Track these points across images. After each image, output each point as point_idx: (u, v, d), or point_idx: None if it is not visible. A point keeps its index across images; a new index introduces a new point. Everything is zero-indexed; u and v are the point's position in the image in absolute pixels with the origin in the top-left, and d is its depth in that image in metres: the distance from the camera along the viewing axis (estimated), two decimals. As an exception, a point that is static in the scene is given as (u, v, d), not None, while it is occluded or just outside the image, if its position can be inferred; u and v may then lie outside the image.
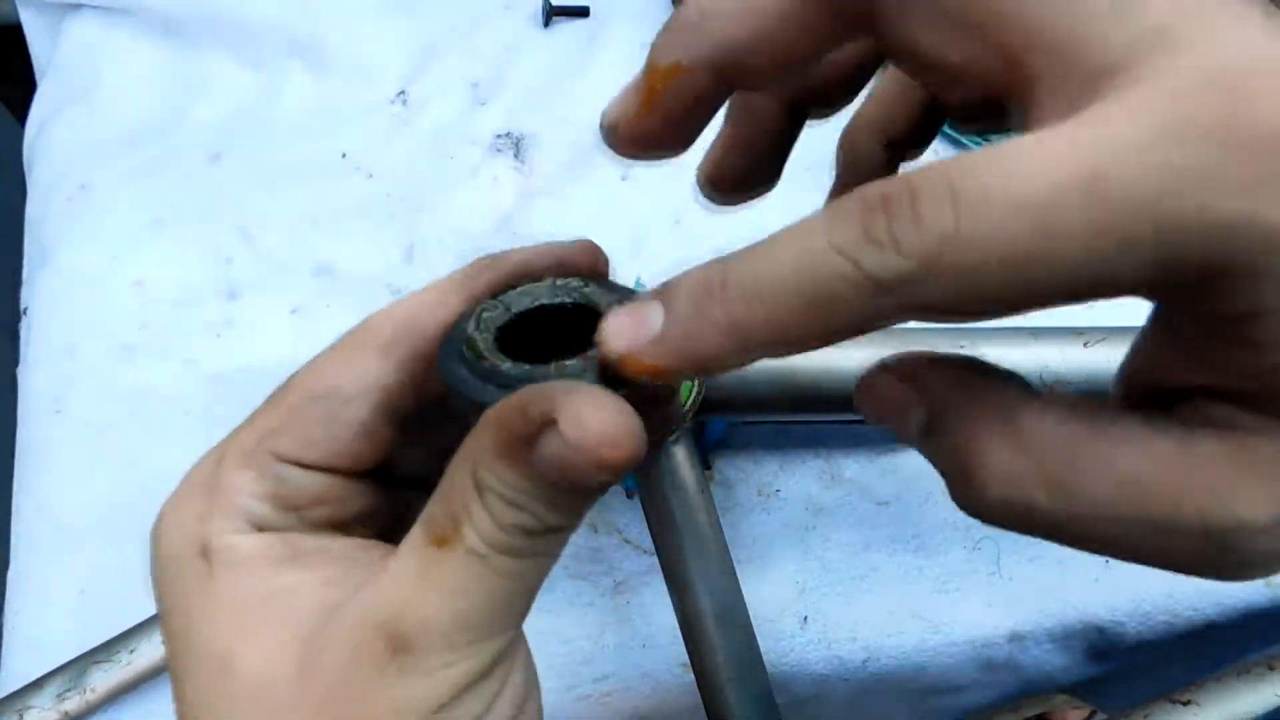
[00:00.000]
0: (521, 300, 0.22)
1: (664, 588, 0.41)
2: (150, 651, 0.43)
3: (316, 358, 0.23)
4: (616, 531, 0.50)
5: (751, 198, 0.23)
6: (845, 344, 0.19)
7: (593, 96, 0.65)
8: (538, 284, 0.23)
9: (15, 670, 0.48)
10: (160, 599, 0.21)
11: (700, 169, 0.23)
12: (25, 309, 0.59)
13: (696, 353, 0.16)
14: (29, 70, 0.73)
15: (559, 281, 0.23)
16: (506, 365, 0.20)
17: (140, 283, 0.59)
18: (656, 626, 0.48)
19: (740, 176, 0.23)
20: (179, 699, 0.20)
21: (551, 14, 0.68)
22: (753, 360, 0.16)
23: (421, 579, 0.18)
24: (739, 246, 0.17)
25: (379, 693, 0.18)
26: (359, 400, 0.22)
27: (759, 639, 0.48)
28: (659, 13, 0.68)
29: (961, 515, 0.52)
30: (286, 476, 0.21)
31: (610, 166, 0.61)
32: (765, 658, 0.47)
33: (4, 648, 0.49)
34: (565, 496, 0.18)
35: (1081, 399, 0.17)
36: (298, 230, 0.60)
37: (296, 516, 0.22)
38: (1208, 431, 0.16)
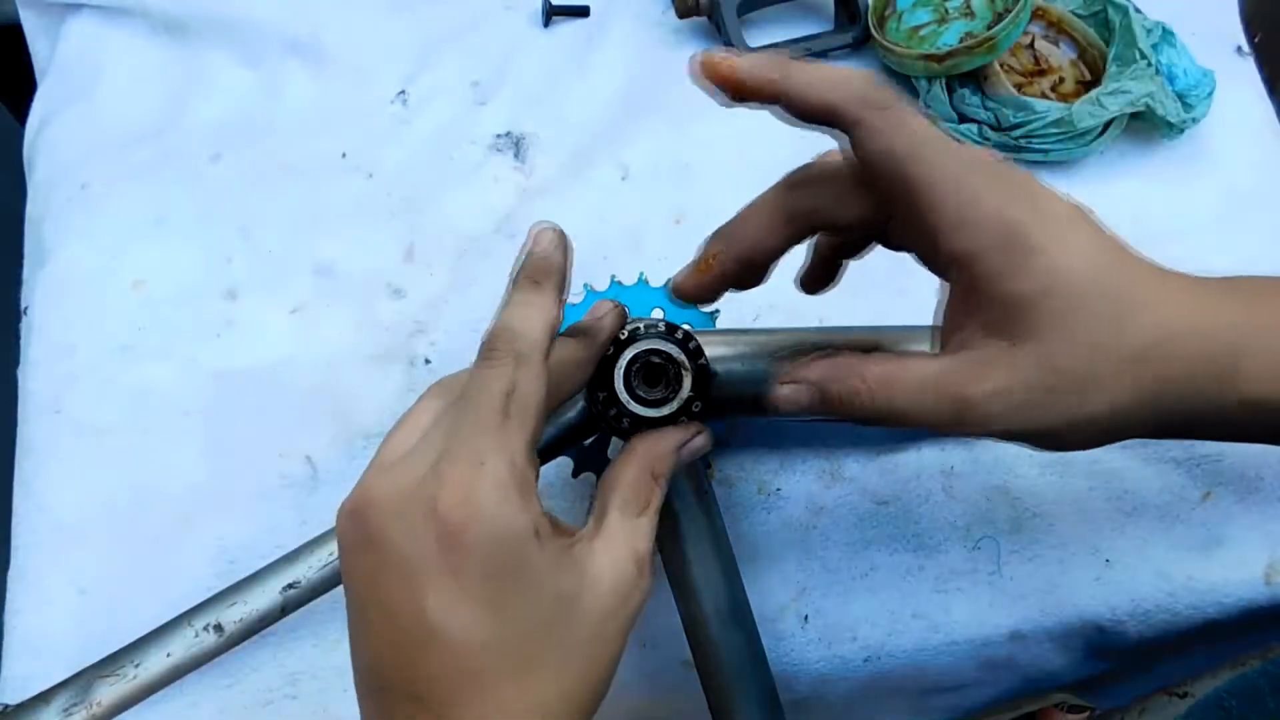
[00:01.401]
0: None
1: (665, 587, 0.41)
2: (157, 664, 0.43)
3: (521, 376, 0.30)
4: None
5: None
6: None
7: (593, 96, 0.65)
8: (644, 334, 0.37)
9: (15, 671, 0.48)
10: (509, 562, 0.28)
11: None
12: (25, 309, 0.59)
13: (759, 74, 0.30)
14: (29, 70, 0.73)
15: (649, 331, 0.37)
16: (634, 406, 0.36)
17: (140, 282, 0.59)
18: (657, 626, 0.48)
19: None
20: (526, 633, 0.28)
21: (551, 14, 0.68)
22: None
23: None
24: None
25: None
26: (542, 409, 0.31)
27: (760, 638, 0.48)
28: (658, 13, 0.68)
29: (961, 515, 0.53)
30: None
31: (610, 166, 0.61)
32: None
33: (4, 648, 0.49)
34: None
35: (883, 353, 0.32)
36: (298, 230, 0.60)
37: None
38: (961, 352, 0.29)
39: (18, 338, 0.59)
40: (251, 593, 0.43)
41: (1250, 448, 0.51)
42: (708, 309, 0.49)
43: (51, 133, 0.65)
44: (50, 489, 0.52)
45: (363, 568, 0.29)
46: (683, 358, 0.36)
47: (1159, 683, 0.57)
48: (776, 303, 0.54)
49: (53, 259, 0.60)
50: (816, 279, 0.38)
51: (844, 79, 0.29)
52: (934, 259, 0.31)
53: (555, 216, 0.60)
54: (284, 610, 0.43)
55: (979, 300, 0.29)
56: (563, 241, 0.33)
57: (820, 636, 0.48)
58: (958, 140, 0.29)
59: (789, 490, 0.51)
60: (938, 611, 0.49)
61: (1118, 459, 0.51)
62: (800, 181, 0.33)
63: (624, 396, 0.36)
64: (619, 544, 0.30)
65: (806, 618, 0.49)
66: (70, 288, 0.59)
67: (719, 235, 0.34)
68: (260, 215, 0.61)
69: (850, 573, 0.49)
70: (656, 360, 0.36)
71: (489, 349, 0.30)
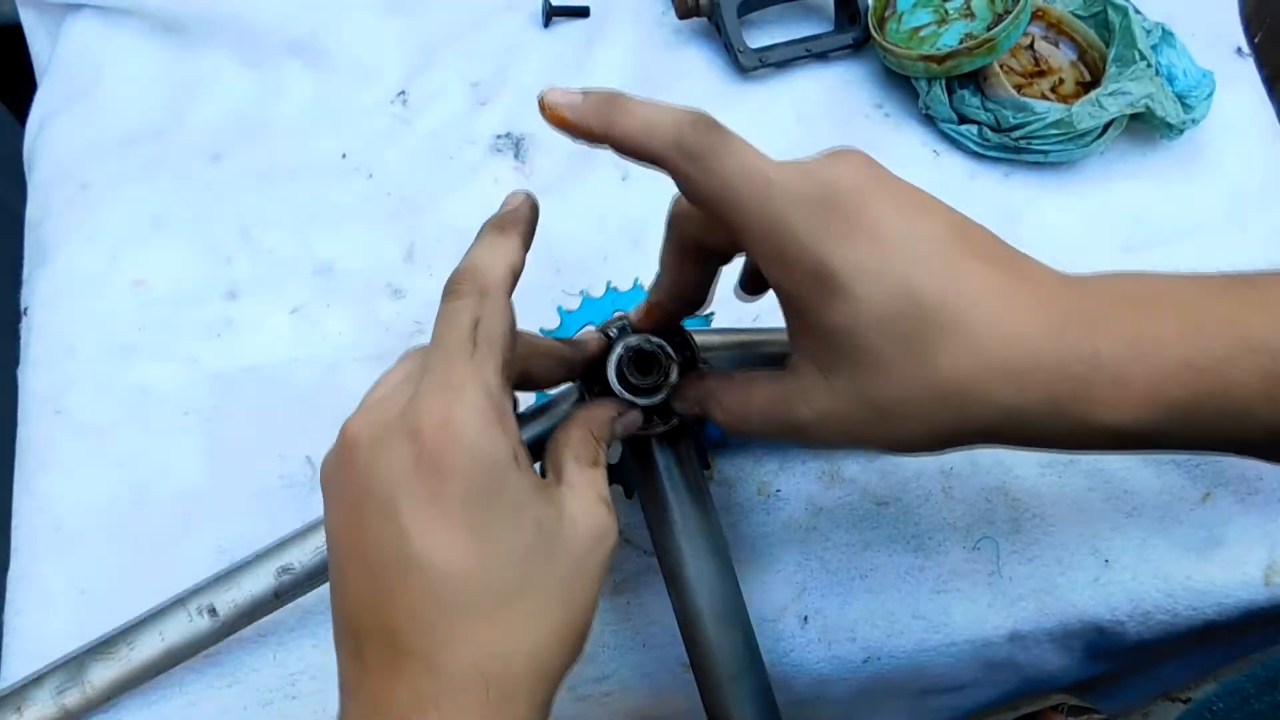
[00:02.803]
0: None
1: (664, 587, 0.41)
2: (151, 645, 0.43)
3: (485, 309, 0.30)
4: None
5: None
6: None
7: (593, 96, 0.65)
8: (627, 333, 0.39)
9: (15, 671, 0.48)
10: (489, 485, 0.28)
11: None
12: (25, 309, 0.59)
13: (585, 122, 0.30)
14: (29, 70, 0.73)
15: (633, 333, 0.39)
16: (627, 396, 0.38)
17: (140, 282, 0.59)
18: (658, 626, 0.48)
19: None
20: (496, 539, 0.28)
21: (552, 14, 0.68)
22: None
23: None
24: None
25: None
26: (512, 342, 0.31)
27: (759, 639, 0.48)
28: (658, 13, 0.68)
29: (961, 515, 0.53)
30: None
31: (610, 167, 0.61)
32: (765, 658, 0.47)
33: (4, 648, 0.49)
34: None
35: (743, 372, 0.34)
36: (297, 230, 0.60)
37: None
38: (788, 377, 0.31)
39: (18, 338, 0.59)
40: (246, 576, 0.43)
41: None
42: (702, 312, 0.49)
43: (52, 133, 0.65)
44: (50, 489, 0.53)
45: (343, 504, 0.29)
46: (669, 349, 0.38)
47: (1158, 684, 0.57)
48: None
49: (53, 259, 0.60)
50: (750, 284, 0.39)
51: (659, 126, 0.30)
52: None
53: (555, 217, 0.60)
54: (278, 595, 0.43)
55: (801, 328, 0.30)
56: (531, 203, 0.35)
57: (820, 637, 0.48)
58: (786, 167, 0.29)
59: (789, 491, 0.51)
60: (937, 612, 0.49)
61: (1116, 460, 0.51)
62: (675, 217, 0.34)
63: (616, 386, 0.38)
64: (583, 488, 0.31)
65: (806, 618, 0.49)
66: (70, 288, 0.59)
67: (652, 286, 0.37)
68: (260, 215, 0.61)
69: (850, 573, 0.49)
70: (647, 348, 0.38)
71: (453, 284, 0.31)
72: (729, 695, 0.39)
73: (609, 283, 0.50)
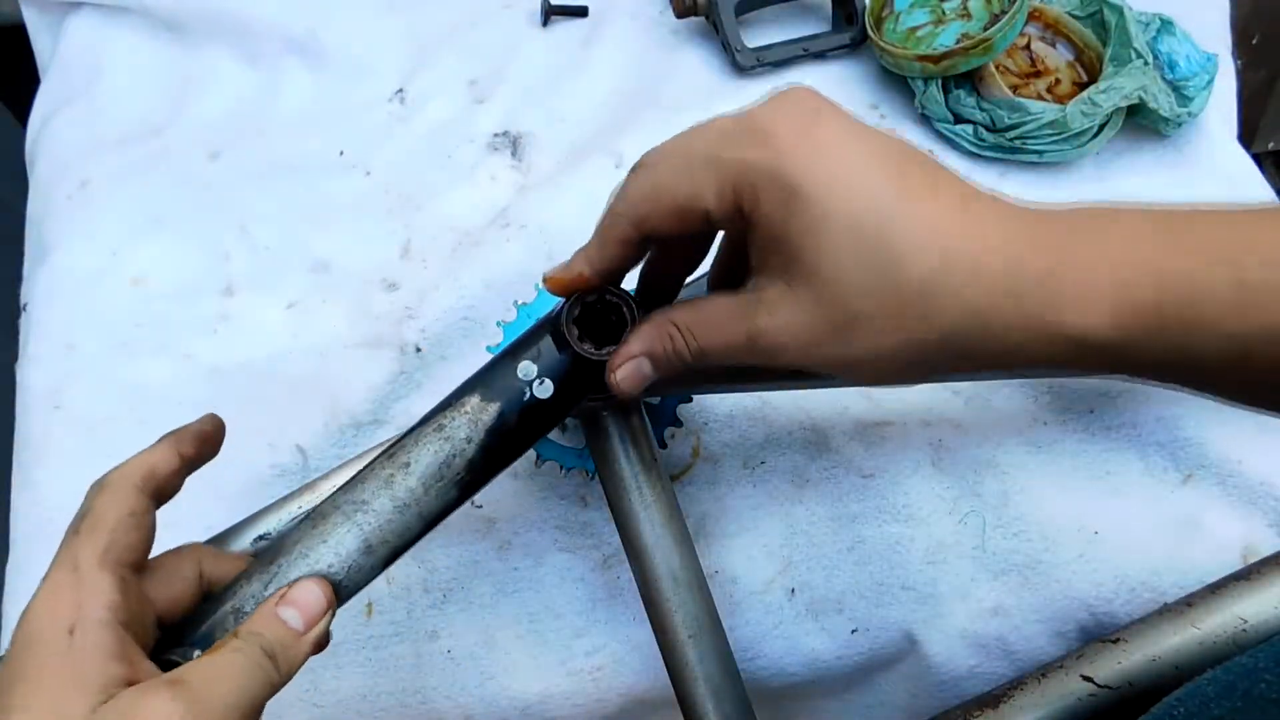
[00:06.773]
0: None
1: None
2: None
3: (96, 501, 0.34)
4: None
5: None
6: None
7: (591, 95, 0.65)
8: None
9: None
10: (20, 665, 0.28)
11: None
12: (25, 305, 0.60)
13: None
14: (31, 71, 0.73)
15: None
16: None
17: (139, 279, 0.59)
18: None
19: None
20: None
21: (550, 13, 0.68)
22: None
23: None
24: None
25: None
26: (146, 524, 0.34)
27: (746, 611, 0.48)
28: (655, 13, 0.69)
29: (947, 488, 0.53)
30: (126, 577, 0.31)
31: (606, 164, 0.62)
32: (753, 629, 0.48)
33: (3, 639, 0.49)
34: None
35: (694, 297, 0.34)
36: (295, 227, 0.60)
37: (138, 610, 0.32)
38: (747, 293, 0.31)
39: (17, 333, 0.59)
40: (225, 545, 0.43)
41: (1233, 432, 0.51)
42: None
43: (53, 130, 0.66)
44: (48, 482, 0.53)
45: None
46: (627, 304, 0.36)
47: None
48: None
49: (52, 255, 0.60)
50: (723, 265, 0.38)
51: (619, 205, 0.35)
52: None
53: (550, 214, 0.60)
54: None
55: (764, 244, 0.30)
56: (216, 423, 0.39)
57: (807, 608, 0.48)
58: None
59: (775, 463, 0.51)
60: (924, 584, 0.49)
61: (1101, 440, 0.51)
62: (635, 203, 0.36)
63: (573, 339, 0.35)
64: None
65: (793, 590, 0.49)
66: (70, 284, 0.59)
67: (580, 256, 0.37)
68: (258, 212, 0.61)
69: (836, 545, 0.49)
70: (609, 300, 0.36)
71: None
72: (689, 654, 0.39)
73: (537, 286, 0.48)
